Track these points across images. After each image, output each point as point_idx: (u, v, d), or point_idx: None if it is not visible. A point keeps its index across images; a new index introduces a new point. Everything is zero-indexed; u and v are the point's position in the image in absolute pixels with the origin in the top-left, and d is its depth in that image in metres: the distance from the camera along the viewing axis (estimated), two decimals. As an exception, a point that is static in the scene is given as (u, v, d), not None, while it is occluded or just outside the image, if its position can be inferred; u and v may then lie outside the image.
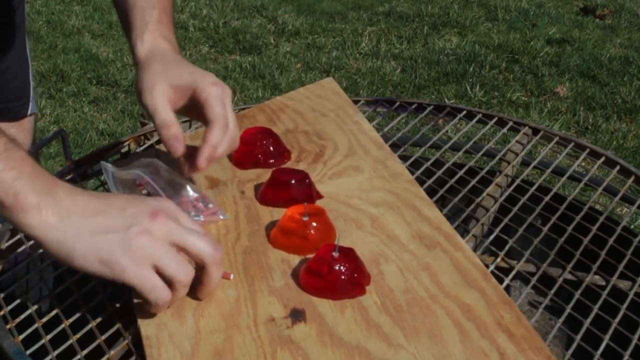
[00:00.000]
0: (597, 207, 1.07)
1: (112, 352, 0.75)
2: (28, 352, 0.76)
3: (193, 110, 0.87)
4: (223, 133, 0.85)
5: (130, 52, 0.93)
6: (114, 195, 0.75)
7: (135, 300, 0.76)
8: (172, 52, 0.91)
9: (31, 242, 0.91)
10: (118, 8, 0.97)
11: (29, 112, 1.28)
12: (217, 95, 0.85)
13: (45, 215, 0.69)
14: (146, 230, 0.70)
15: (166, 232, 0.71)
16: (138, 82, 0.87)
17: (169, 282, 0.71)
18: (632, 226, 1.04)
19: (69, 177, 1.05)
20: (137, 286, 0.69)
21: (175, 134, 0.84)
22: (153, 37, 0.91)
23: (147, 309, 0.74)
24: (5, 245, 0.92)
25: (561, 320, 0.78)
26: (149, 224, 0.70)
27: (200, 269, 0.73)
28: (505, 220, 0.94)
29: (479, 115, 1.16)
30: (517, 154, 1.07)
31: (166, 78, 0.86)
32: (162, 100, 0.85)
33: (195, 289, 0.75)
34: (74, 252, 0.69)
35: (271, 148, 0.99)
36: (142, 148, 1.10)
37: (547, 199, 0.97)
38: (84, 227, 0.69)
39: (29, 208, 0.68)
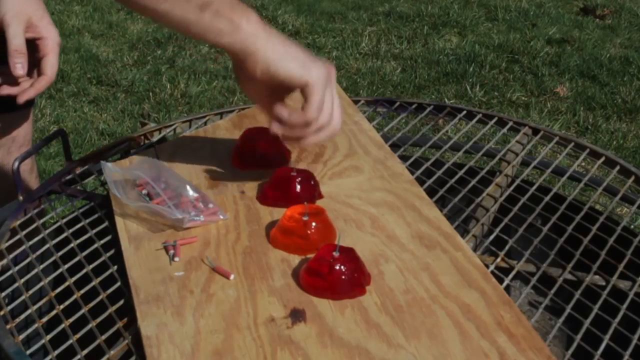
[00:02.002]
0: (597, 207, 1.07)
1: (112, 352, 0.75)
2: (28, 352, 0.76)
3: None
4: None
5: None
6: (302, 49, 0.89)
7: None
8: None
9: (31, 242, 0.92)
10: None
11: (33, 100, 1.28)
12: (57, 55, 1.03)
13: (266, 32, 0.85)
14: (325, 71, 0.86)
15: (330, 84, 0.87)
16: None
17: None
18: (632, 226, 1.04)
19: (69, 177, 1.05)
20: (316, 96, 0.84)
21: (23, 61, 0.99)
22: None
23: (279, 119, 0.88)
24: (5, 245, 0.92)
25: (561, 320, 0.78)
26: (330, 70, 0.87)
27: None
28: (505, 220, 0.94)
29: (479, 115, 1.16)
30: (517, 154, 1.07)
31: (29, 12, 1.01)
32: (21, 27, 1.00)
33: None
34: (285, 57, 0.85)
35: (271, 148, 0.99)
36: (142, 148, 1.10)
37: (547, 199, 0.97)
38: (284, 48, 0.86)
39: (257, 26, 0.84)
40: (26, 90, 1.00)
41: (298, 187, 0.90)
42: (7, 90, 1.01)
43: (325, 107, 0.86)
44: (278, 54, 0.84)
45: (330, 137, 0.89)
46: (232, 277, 0.80)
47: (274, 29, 0.87)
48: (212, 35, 0.84)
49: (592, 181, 1.05)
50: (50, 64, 1.01)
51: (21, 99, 1.00)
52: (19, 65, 0.97)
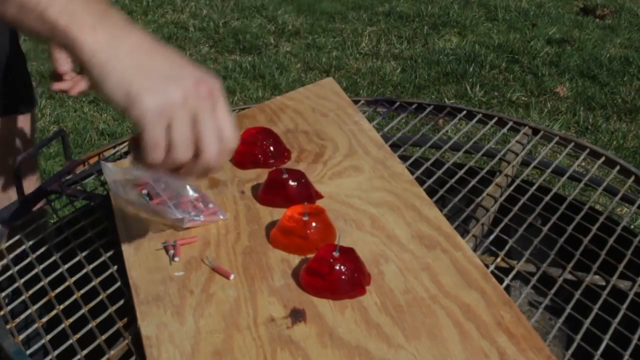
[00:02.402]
0: (597, 207, 1.07)
1: (112, 352, 0.75)
2: (28, 352, 0.76)
3: None
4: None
5: None
6: (169, 48, 0.72)
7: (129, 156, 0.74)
8: None
9: (31, 242, 0.92)
10: None
11: (36, 101, 1.28)
12: None
13: (97, 36, 0.66)
14: (184, 91, 0.67)
15: (197, 106, 0.68)
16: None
17: (168, 146, 0.68)
18: (632, 226, 1.04)
19: (69, 177, 1.05)
20: (146, 134, 0.67)
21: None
22: None
23: (134, 156, 0.71)
24: (5, 245, 0.92)
25: (561, 320, 0.78)
26: (189, 88, 0.68)
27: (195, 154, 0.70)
28: (505, 220, 0.94)
29: (479, 115, 1.16)
30: (517, 154, 1.07)
31: None
32: None
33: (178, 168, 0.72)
34: (109, 77, 0.67)
35: (271, 148, 0.99)
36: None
37: (547, 199, 0.97)
38: (129, 60, 0.67)
39: (83, 27, 0.66)
40: (78, 83, 0.97)
41: (289, 189, 0.90)
42: (57, 86, 0.99)
43: (178, 139, 0.67)
44: (105, 71, 0.67)
45: (212, 169, 0.71)
46: (232, 277, 0.80)
47: (137, 27, 0.69)
48: (28, 32, 0.69)
49: (592, 181, 1.05)
50: None
51: (73, 92, 0.97)
52: (61, 60, 0.94)
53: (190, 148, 0.69)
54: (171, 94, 0.67)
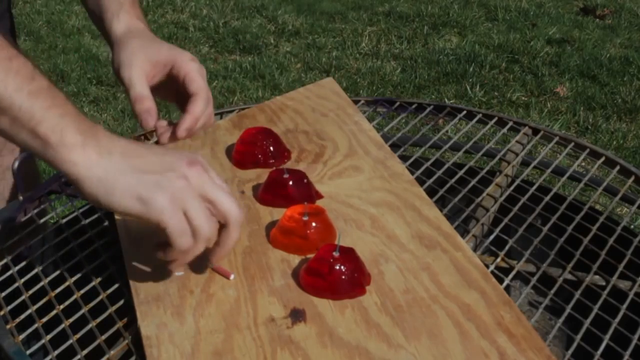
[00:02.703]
0: (597, 207, 1.07)
1: (112, 352, 0.75)
2: (28, 352, 0.76)
3: (167, 88, 0.89)
4: (205, 106, 0.87)
5: (102, 34, 0.95)
6: (150, 145, 0.75)
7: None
8: (148, 31, 0.93)
9: (31, 242, 0.92)
10: None
11: None
12: (197, 70, 0.88)
13: (88, 152, 0.68)
14: (183, 176, 0.71)
15: (200, 183, 0.72)
16: (115, 58, 0.89)
17: (192, 233, 0.71)
18: (632, 226, 1.04)
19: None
20: (170, 228, 0.69)
21: (149, 107, 0.85)
22: (129, 17, 0.93)
23: (161, 256, 0.74)
24: (5, 245, 0.92)
25: (561, 320, 0.78)
26: (186, 171, 0.71)
27: (220, 228, 0.74)
28: (505, 220, 0.94)
29: (479, 115, 1.16)
30: (517, 154, 1.07)
31: (144, 53, 0.88)
32: (138, 74, 0.87)
33: (210, 251, 0.75)
34: (114, 189, 0.69)
35: (271, 148, 0.99)
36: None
37: (547, 199, 0.97)
38: (125, 166, 0.70)
39: (74, 145, 0.68)
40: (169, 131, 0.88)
41: (290, 189, 0.90)
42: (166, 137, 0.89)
43: (199, 217, 0.71)
44: (106, 185, 0.69)
45: (240, 224, 0.74)
46: (232, 277, 0.80)
47: (114, 136, 0.71)
48: (18, 144, 0.69)
49: (592, 181, 1.05)
50: (195, 85, 0.88)
51: (163, 139, 0.88)
52: (144, 115, 0.85)
53: (212, 220, 0.72)
54: (174, 182, 0.70)
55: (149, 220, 0.70)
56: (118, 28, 0.92)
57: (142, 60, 0.87)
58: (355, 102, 1.17)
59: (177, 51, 0.90)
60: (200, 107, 0.86)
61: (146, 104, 0.85)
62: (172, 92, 0.90)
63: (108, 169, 0.69)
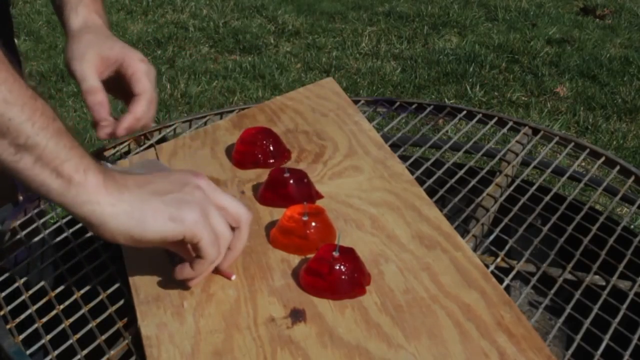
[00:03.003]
0: (597, 207, 1.07)
1: (112, 352, 0.75)
2: (28, 352, 0.76)
3: (116, 85, 0.92)
4: (147, 107, 0.90)
5: (62, 26, 0.97)
6: (148, 175, 0.75)
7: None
8: (105, 27, 0.96)
9: (31, 242, 0.92)
10: None
11: None
12: (145, 71, 0.91)
13: (110, 190, 0.68)
14: (197, 186, 0.73)
15: (211, 191, 0.74)
16: (68, 51, 0.92)
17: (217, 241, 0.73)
18: (632, 226, 1.04)
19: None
20: (205, 239, 0.71)
21: (101, 100, 0.89)
22: (87, 11, 0.95)
23: (188, 274, 0.74)
24: (5, 245, 0.92)
25: (561, 320, 0.78)
26: (197, 182, 0.73)
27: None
28: (505, 220, 0.94)
29: (479, 115, 1.16)
30: (517, 154, 1.07)
31: (96, 48, 0.91)
32: (90, 68, 0.89)
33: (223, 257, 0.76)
34: (145, 217, 0.68)
35: (271, 148, 0.99)
36: (142, 148, 1.10)
37: (547, 199, 0.97)
38: (145, 194, 0.70)
39: (97, 185, 0.67)
40: (119, 123, 0.90)
41: (291, 188, 0.90)
42: (104, 132, 0.91)
43: (221, 225, 0.73)
44: (135, 216, 0.68)
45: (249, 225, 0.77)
46: (233, 277, 0.80)
47: (117, 175, 0.70)
48: (35, 186, 0.67)
49: (592, 181, 1.05)
50: (140, 86, 0.90)
51: (120, 132, 0.91)
52: (96, 107, 0.88)
53: (228, 226, 0.74)
54: (194, 194, 0.72)
55: (184, 239, 0.70)
56: (75, 22, 0.94)
57: (93, 55, 0.90)
58: (355, 102, 1.17)
59: (129, 50, 0.92)
60: (143, 107, 0.89)
61: (98, 97, 0.88)
62: (119, 89, 0.93)
63: (132, 200, 0.69)
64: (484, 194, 0.98)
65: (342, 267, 0.76)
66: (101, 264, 0.87)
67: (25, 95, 0.65)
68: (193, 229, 0.70)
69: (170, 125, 1.16)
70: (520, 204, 0.96)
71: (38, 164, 0.65)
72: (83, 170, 0.67)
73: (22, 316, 0.80)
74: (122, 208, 0.68)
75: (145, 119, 0.90)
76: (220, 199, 0.74)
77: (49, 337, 0.77)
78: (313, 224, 0.83)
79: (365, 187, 0.95)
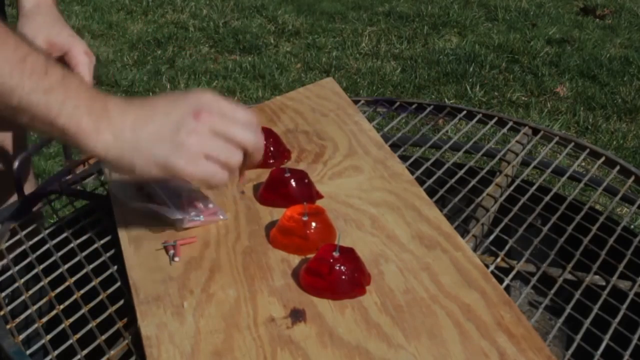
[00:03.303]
0: (597, 207, 1.07)
1: (112, 352, 0.75)
2: (28, 352, 0.76)
3: None
4: None
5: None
6: (157, 99, 0.80)
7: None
8: (55, 8, 1.01)
9: (31, 242, 0.92)
10: None
11: None
12: (87, 64, 0.97)
13: (103, 136, 0.75)
14: (192, 130, 0.77)
15: (211, 127, 0.77)
16: (18, 30, 0.97)
17: (222, 167, 0.79)
18: (632, 226, 1.04)
19: (69, 177, 1.05)
20: (199, 178, 0.78)
21: None
22: None
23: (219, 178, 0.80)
24: (5, 245, 0.92)
25: (561, 320, 0.78)
26: (194, 124, 0.77)
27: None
28: (505, 220, 0.94)
29: (479, 115, 1.16)
30: (517, 154, 1.07)
31: (45, 32, 0.97)
32: None
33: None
34: (133, 164, 0.76)
35: (271, 148, 0.99)
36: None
37: (547, 199, 0.97)
38: (138, 141, 0.76)
39: (90, 132, 0.74)
40: None
41: (291, 188, 0.90)
42: None
43: (221, 155, 0.79)
44: (125, 162, 0.77)
45: (260, 150, 0.82)
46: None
47: (124, 104, 0.77)
48: (44, 110, 0.73)
49: (592, 181, 1.05)
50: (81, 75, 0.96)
51: None
52: None
53: (235, 152, 0.79)
54: (187, 140, 0.77)
55: (179, 177, 0.79)
56: (28, 1, 1.00)
57: (42, 41, 0.95)
58: (355, 102, 1.17)
59: (75, 40, 0.98)
60: None
61: None
62: None
63: (124, 147, 0.76)
64: (484, 194, 0.98)
65: (342, 267, 0.76)
66: (101, 264, 0.87)
67: (14, 60, 0.70)
68: (183, 174, 0.77)
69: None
70: (520, 204, 0.96)
71: (35, 121, 0.73)
72: (76, 121, 0.74)
73: (22, 316, 0.80)
74: (113, 154, 0.76)
75: None
76: (223, 130, 0.78)
77: (49, 337, 0.77)
78: (313, 224, 0.83)
79: (365, 187, 0.95)
